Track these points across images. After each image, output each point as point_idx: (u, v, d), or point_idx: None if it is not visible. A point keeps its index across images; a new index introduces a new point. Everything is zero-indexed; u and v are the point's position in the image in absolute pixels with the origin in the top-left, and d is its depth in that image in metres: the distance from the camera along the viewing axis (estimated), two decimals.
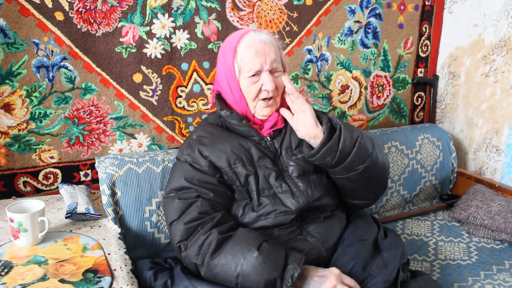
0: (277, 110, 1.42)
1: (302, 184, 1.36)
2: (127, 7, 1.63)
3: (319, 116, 1.36)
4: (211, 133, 1.41)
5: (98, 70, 1.65)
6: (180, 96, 1.80)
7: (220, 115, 1.44)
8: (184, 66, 1.78)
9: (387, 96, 2.27)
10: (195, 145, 1.37)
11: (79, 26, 1.58)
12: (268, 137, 1.41)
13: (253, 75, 1.34)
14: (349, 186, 1.40)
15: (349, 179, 1.36)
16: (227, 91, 1.40)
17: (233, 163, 1.34)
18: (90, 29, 1.60)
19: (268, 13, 1.88)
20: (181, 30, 1.74)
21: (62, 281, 1.11)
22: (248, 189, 1.35)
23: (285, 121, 1.43)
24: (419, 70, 2.32)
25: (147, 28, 1.68)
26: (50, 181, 1.67)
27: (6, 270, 1.13)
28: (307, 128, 1.32)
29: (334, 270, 1.17)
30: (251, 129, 1.39)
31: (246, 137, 1.40)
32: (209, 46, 1.80)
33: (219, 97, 1.45)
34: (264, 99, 1.37)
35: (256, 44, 1.34)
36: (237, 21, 1.82)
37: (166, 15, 1.70)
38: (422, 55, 2.30)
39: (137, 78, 1.71)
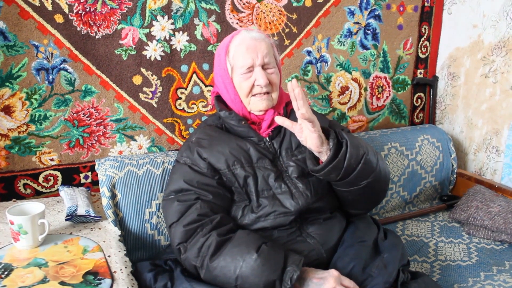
0: (273, 108, 1.42)
1: (301, 185, 1.36)
2: (126, 9, 1.64)
3: (325, 128, 1.28)
4: (210, 135, 1.41)
5: (98, 72, 1.65)
6: (180, 98, 1.80)
7: (219, 117, 1.45)
8: (184, 68, 1.78)
9: (387, 97, 2.27)
10: (194, 147, 1.38)
11: (78, 29, 1.58)
12: (267, 138, 1.41)
13: (245, 72, 1.36)
14: (349, 198, 1.39)
15: (351, 192, 1.34)
16: (223, 90, 1.42)
17: (232, 165, 1.34)
18: (89, 31, 1.60)
19: (268, 15, 1.88)
20: (181, 32, 1.74)
21: (62, 283, 1.11)
22: (247, 190, 1.35)
23: None
24: (418, 71, 2.32)
25: (147, 30, 1.68)
26: (50, 183, 1.67)
27: (6, 273, 1.14)
28: (313, 146, 1.24)
29: (333, 272, 1.17)
30: (249, 129, 1.40)
31: (245, 138, 1.40)
32: (209, 48, 1.80)
33: (218, 98, 1.46)
34: (258, 94, 1.38)
35: (247, 41, 1.37)
36: (237, 23, 1.82)
37: (166, 17, 1.70)
38: (421, 56, 2.30)
39: (137, 80, 1.71)
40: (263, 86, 1.36)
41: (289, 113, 1.46)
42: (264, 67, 1.37)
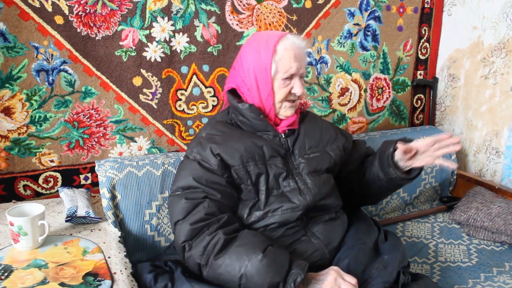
0: (296, 112, 1.44)
1: (310, 182, 1.37)
2: (126, 10, 1.64)
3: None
4: (223, 131, 1.40)
5: (98, 73, 1.65)
6: (180, 99, 1.81)
7: (228, 112, 1.45)
8: (184, 69, 1.78)
9: (387, 98, 2.27)
10: (206, 143, 1.35)
11: (79, 30, 1.59)
12: (283, 134, 1.42)
13: (286, 78, 1.36)
14: (382, 193, 1.54)
15: (381, 191, 1.51)
16: (253, 87, 1.38)
17: (246, 162, 1.33)
18: (90, 32, 1.60)
19: (268, 16, 1.88)
20: (181, 33, 1.74)
21: (62, 284, 1.11)
22: (258, 188, 1.35)
23: (299, 123, 1.46)
24: (418, 72, 2.32)
25: (147, 32, 1.68)
26: (50, 184, 1.67)
27: (6, 274, 1.14)
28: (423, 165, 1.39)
29: (333, 267, 1.20)
30: (268, 124, 1.39)
31: (259, 134, 1.40)
32: (209, 49, 1.80)
33: (230, 93, 1.44)
34: (290, 100, 1.40)
35: (295, 48, 1.36)
36: (237, 24, 1.83)
37: (166, 18, 1.70)
38: (421, 57, 2.31)
39: (137, 81, 1.72)
40: (298, 95, 1.38)
41: (302, 118, 1.50)
42: (300, 77, 1.39)
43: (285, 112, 1.41)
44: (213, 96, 1.86)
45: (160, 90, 1.76)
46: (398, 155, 1.38)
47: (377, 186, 1.47)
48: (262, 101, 1.39)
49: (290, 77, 1.37)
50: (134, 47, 1.68)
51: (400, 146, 1.33)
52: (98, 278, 1.14)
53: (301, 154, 1.41)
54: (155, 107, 1.77)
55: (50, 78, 1.59)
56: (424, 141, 1.35)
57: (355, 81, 2.15)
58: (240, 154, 1.33)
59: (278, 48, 1.35)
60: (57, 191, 1.66)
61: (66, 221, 1.41)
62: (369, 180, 1.48)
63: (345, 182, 1.54)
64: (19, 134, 1.58)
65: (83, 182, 1.72)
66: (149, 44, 1.70)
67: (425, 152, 1.36)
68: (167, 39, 1.72)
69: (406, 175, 1.40)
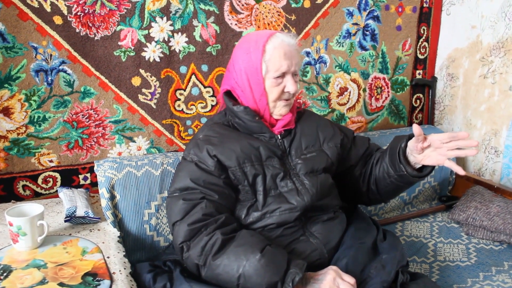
0: (291, 111, 1.45)
1: (308, 182, 1.37)
2: (125, 10, 1.64)
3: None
4: (219, 132, 1.40)
5: (97, 73, 1.65)
6: (179, 99, 1.81)
7: (225, 113, 1.45)
8: (183, 69, 1.78)
9: (386, 98, 2.27)
10: (203, 144, 1.36)
11: (77, 30, 1.59)
12: (279, 135, 1.42)
13: (278, 76, 1.36)
14: (391, 191, 1.49)
15: (391, 188, 1.46)
16: (246, 88, 1.39)
17: (242, 163, 1.33)
18: (88, 33, 1.60)
19: (266, 16, 1.88)
20: (180, 33, 1.74)
21: (61, 284, 1.11)
22: (255, 189, 1.35)
23: (295, 122, 1.46)
24: (417, 72, 2.32)
25: (146, 32, 1.69)
26: (49, 184, 1.67)
27: (5, 274, 1.14)
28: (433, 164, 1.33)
29: (332, 267, 1.20)
30: (263, 125, 1.39)
31: (255, 136, 1.40)
32: (208, 49, 1.80)
33: (226, 94, 1.45)
34: (284, 100, 1.40)
35: (284, 46, 1.36)
36: (236, 24, 1.83)
37: (165, 18, 1.70)
38: (420, 57, 2.31)
39: (136, 81, 1.72)
40: (291, 93, 1.38)
41: (299, 117, 1.50)
42: (293, 75, 1.39)
43: (280, 110, 1.41)
44: (212, 96, 1.86)
45: (159, 90, 1.76)
46: (411, 144, 1.31)
47: (386, 183, 1.44)
48: (256, 102, 1.39)
49: (282, 76, 1.37)
50: (133, 47, 1.68)
51: (417, 130, 1.25)
52: (97, 278, 1.15)
53: (297, 154, 1.41)
54: (154, 107, 1.77)
55: (49, 78, 1.59)
56: (439, 136, 1.26)
57: (354, 80, 2.16)
58: (236, 155, 1.33)
59: (267, 47, 1.36)
60: (56, 191, 1.66)
61: (65, 221, 1.41)
62: (378, 177, 1.46)
63: (347, 178, 1.54)
64: (18, 134, 1.58)
65: (82, 182, 1.72)
66: (148, 44, 1.70)
67: (438, 149, 1.28)
68: (166, 39, 1.72)
69: (417, 172, 1.36)
